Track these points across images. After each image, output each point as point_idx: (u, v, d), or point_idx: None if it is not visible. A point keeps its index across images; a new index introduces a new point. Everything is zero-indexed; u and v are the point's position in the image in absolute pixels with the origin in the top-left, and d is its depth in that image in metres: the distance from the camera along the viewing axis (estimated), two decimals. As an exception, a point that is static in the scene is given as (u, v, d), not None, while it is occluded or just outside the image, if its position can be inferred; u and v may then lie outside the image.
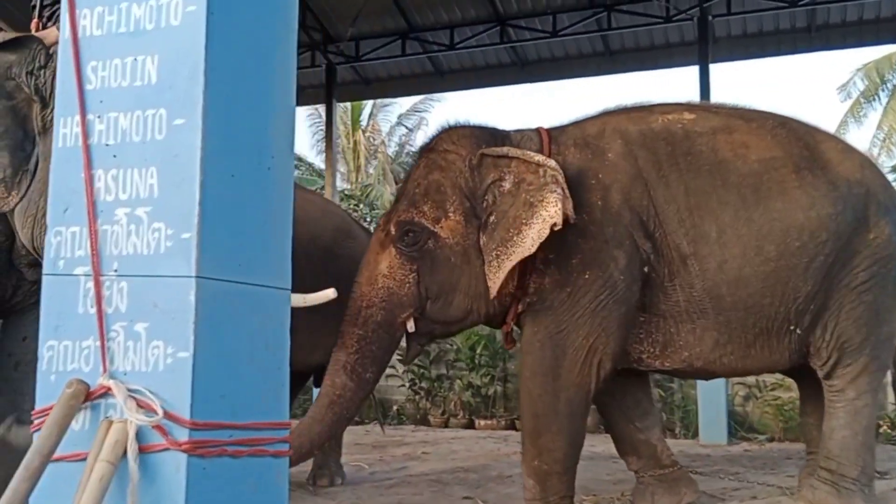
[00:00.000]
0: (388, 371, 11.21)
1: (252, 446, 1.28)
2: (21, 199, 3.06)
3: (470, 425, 9.87)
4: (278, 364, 1.40)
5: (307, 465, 5.63)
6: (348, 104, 18.96)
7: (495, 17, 10.10)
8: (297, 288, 4.88)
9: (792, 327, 3.65)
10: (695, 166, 3.70)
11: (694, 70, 9.18)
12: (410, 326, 3.71)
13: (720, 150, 3.72)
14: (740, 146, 3.72)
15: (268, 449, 1.30)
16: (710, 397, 8.05)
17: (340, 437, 5.68)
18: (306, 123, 20.16)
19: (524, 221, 3.53)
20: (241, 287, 1.34)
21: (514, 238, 3.54)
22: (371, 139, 21.27)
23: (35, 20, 3.51)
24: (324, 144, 13.46)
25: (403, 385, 10.87)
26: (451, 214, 3.70)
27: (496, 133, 3.94)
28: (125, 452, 1.32)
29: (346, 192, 17.61)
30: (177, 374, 1.31)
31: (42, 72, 3.08)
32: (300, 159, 20.24)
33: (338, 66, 10.78)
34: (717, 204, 3.65)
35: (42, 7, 3.61)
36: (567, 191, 3.49)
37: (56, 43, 3.26)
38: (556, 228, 3.44)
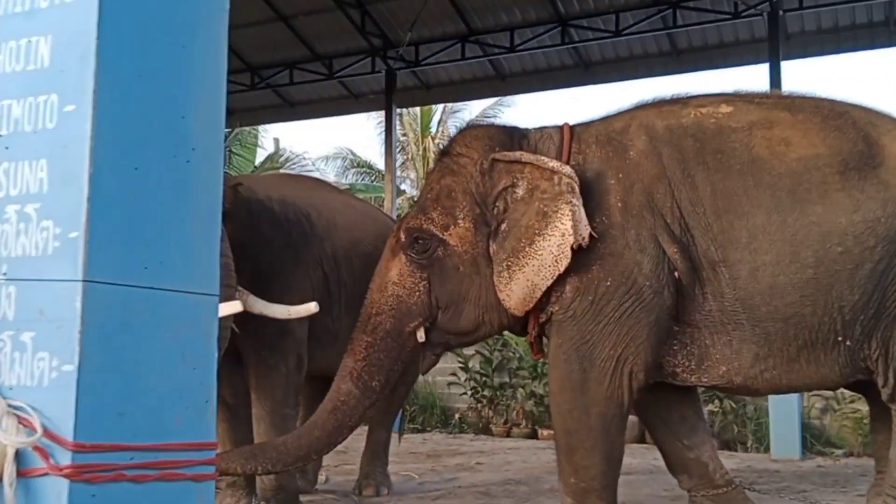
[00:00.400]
0: (450, 379, 11.21)
1: (162, 469, 1.14)
2: None
3: (532, 435, 9.65)
4: (201, 378, 1.22)
5: (354, 474, 5.55)
6: (417, 111, 18.97)
7: (556, 18, 9.89)
8: (341, 295, 4.84)
9: (840, 339, 3.34)
10: (725, 165, 3.43)
11: (765, 68, 8.80)
12: (420, 336, 3.59)
13: (755, 147, 3.43)
14: (779, 143, 3.42)
15: (184, 472, 1.15)
16: (783, 409, 7.66)
17: (386, 445, 5.58)
18: (376, 130, 20.27)
19: (537, 232, 3.38)
20: (147, 292, 1.18)
21: (527, 248, 3.39)
22: (441, 146, 21.21)
23: None
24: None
25: (465, 393, 10.72)
26: (460, 221, 3.57)
27: (513, 133, 3.77)
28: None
29: (416, 199, 17.57)
30: (61, 390, 1.16)
31: None
32: (370, 166, 20.32)
33: (398, 71, 10.72)
34: (747, 207, 3.37)
35: None
36: (580, 201, 3.32)
37: None
38: (578, 246, 3.29)
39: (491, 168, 3.57)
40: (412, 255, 3.59)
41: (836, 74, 29.95)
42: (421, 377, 11.26)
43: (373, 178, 20.04)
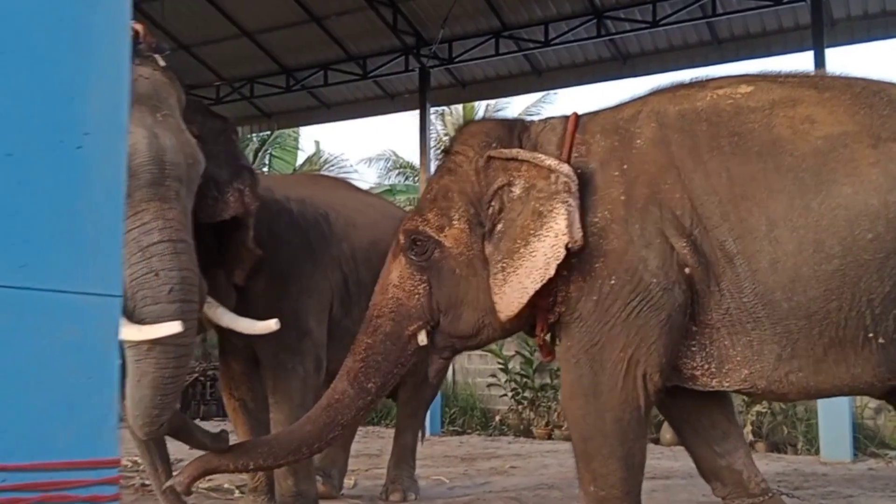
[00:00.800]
0: (490, 380, 11.06)
1: (43, 492, 1.00)
2: None
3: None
4: (97, 389, 1.08)
5: (383, 478, 5.43)
6: (460, 110, 18.83)
7: (592, 10, 9.67)
8: (361, 296, 4.74)
9: (870, 336, 3.07)
10: (742, 149, 3.18)
11: (809, 56, 8.47)
12: (422, 339, 3.46)
13: (776, 127, 3.17)
14: (803, 121, 3.15)
15: (74, 494, 1.01)
16: (833, 410, 7.37)
17: (413, 448, 5.46)
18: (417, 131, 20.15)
19: (532, 232, 3.21)
20: (24, 294, 1.03)
21: (521, 250, 3.22)
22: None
23: None
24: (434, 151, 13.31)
25: (506, 395, 10.57)
26: (455, 222, 3.43)
27: (513, 127, 3.60)
28: None
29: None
30: None
31: None
32: (413, 167, 20.25)
33: (431, 69, 10.60)
34: (766, 192, 3.11)
35: None
36: (577, 201, 3.16)
37: None
38: (573, 247, 3.12)
39: (486, 166, 3.42)
40: (411, 257, 3.48)
41: (884, 61, 28.85)
42: (461, 379, 11.28)
43: (415, 179, 19.97)
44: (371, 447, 8.01)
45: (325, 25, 10.54)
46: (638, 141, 3.34)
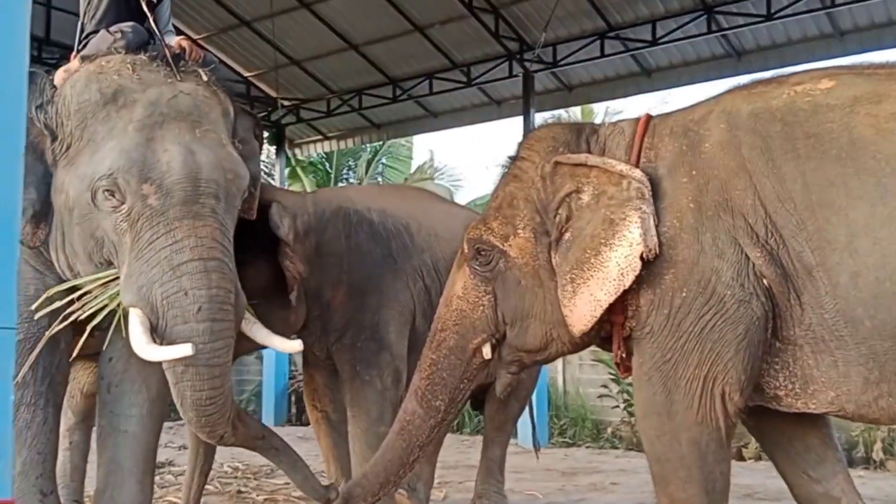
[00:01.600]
0: (602, 391, 10.74)
1: (-66, 534, 0.95)
2: (48, 232, 3.15)
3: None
4: None
5: (468, 492, 5.33)
6: (578, 114, 18.52)
7: (702, 5, 9.27)
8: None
9: None
10: (818, 151, 2.87)
11: (943, 42, 7.82)
12: (486, 353, 3.33)
13: (857, 126, 2.84)
14: (888, 119, 2.81)
15: None
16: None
17: (500, 462, 5.33)
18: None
19: (603, 241, 3.03)
20: None
21: (592, 260, 3.04)
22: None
23: (74, 54, 3.56)
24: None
25: (618, 406, 10.24)
26: (520, 231, 3.28)
27: (582, 131, 3.41)
28: None
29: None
30: None
31: (49, 106, 3.13)
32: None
33: (535, 73, 10.44)
34: (846, 199, 2.79)
35: (79, 42, 3.67)
36: (651, 208, 2.97)
37: (66, 74, 3.30)
38: (649, 257, 2.94)
39: (553, 172, 3.26)
40: (475, 267, 3.36)
41: None
42: (571, 389, 11.02)
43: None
44: (472, 458, 7.89)
45: (428, 35, 10.58)
46: (707, 144, 3.12)
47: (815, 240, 2.83)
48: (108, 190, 2.96)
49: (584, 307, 3.11)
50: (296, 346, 3.46)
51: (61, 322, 3.13)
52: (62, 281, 3.30)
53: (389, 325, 4.44)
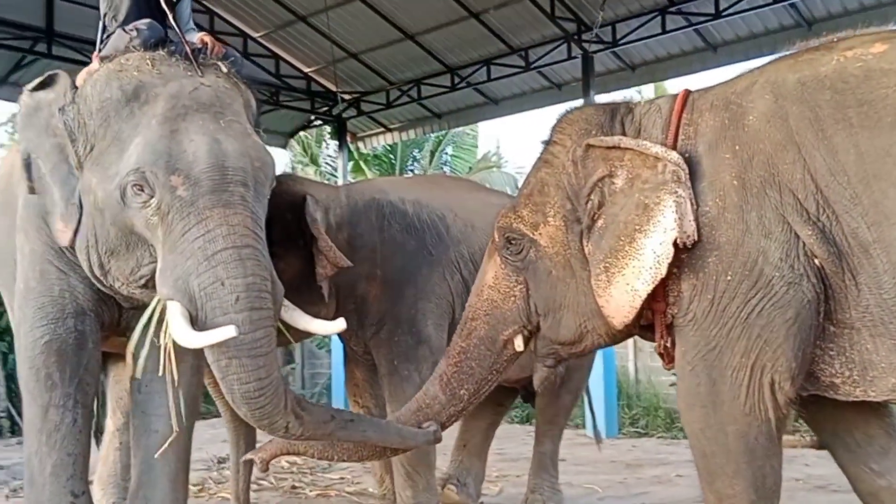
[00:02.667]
0: (674, 379, 10.40)
1: None
2: (75, 232, 3.16)
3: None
4: None
5: (525, 486, 5.19)
6: (650, 91, 18.08)
7: (767, -27, 8.83)
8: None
9: None
10: (872, 119, 2.64)
11: None
12: (518, 345, 3.20)
13: None
14: None
15: None
16: None
17: (553, 456, 5.17)
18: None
19: (637, 228, 2.86)
20: None
21: (626, 248, 2.88)
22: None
23: (95, 54, 3.55)
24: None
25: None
26: (550, 219, 3.14)
27: (616, 111, 3.21)
28: None
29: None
30: None
31: (70, 107, 3.14)
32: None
33: (595, 54, 10.14)
34: None
35: (101, 42, 3.67)
36: (688, 192, 2.78)
37: (87, 75, 3.28)
38: (687, 242, 2.77)
39: (584, 156, 3.08)
40: (506, 256, 3.23)
41: None
42: (643, 378, 10.74)
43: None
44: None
45: (483, 20, 10.39)
46: (750, 117, 2.91)
47: (871, 214, 2.62)
48: (136, 185, 2.94)
49: (620, 297, 2.96)
50: (338, 324, 3.35)
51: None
52: (88, 281, 3.31)
53: (427, 318, 4.34)
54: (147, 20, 3.49)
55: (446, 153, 16.84)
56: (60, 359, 3.31)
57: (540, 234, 3.18)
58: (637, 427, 10.16)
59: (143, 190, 2.94)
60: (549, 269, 3.17)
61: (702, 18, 9.45)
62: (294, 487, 5.84)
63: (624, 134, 3.16)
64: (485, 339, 3.26)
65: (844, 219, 2.66)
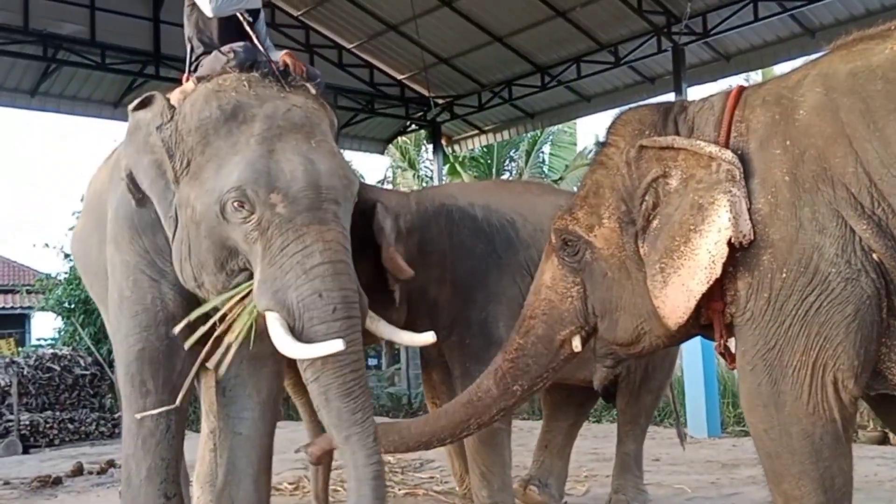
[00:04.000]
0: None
1: None
2: (171, 243, 3.34)
3: (883, 440, 8.36)
4: None
5: (607, 488, 5.17)
6: (756, 79, 17.48)
7: (866, -48, 8.47)
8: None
9: None
10: None
11: None
12: (576, 346, 3.21)
13: None
14: None
15: None
16: None
17: (636, 456, 5.11)
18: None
19: (692, 227, 2.84)
20: None
21: (682, 248, 2.85)
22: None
23: (184, 75, 3.73)
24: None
25: (799, 392, 9.58)
26: (605, 221, 3.12)
27: (670, 111, 3.18)
28: None
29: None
30: None
31: (168, 125, 3.31)
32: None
33: (685, 46, 9.94)
34: None
35: (191, 63, 3.85)
36: (743, 191, 2.75)
37: (182, 94, 3.45)
38: (743, 241, 2.74)
39: (638, 157, 3.07)
40: (563, 257, 3.26)
41: None
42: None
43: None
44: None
45: (571, 18, 10.37)
46: (801, 111, 2.84)
47: None
48: (237, 201, 3.10)
49: (676, 298, 2.95)
50: (426, 337, 3.48)
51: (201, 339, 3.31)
52: (178, 288, 3.48)
53: (499, 321, 4.38)
54: (242, 43, 3.68)
55: (543, 152, 16.77)
56: (153, 366, 3.49)
57: (595, 235, 3.19)
58: (743, 426, 9.88)
59: (243, 206, 3.10)
60: (604, 270, 3.18)
61: (797, 2, 9.14)
62: (384, 486, 5.98)
63: (677, 133, 3.14)
64: (542, 338, 3.29)
65: None
